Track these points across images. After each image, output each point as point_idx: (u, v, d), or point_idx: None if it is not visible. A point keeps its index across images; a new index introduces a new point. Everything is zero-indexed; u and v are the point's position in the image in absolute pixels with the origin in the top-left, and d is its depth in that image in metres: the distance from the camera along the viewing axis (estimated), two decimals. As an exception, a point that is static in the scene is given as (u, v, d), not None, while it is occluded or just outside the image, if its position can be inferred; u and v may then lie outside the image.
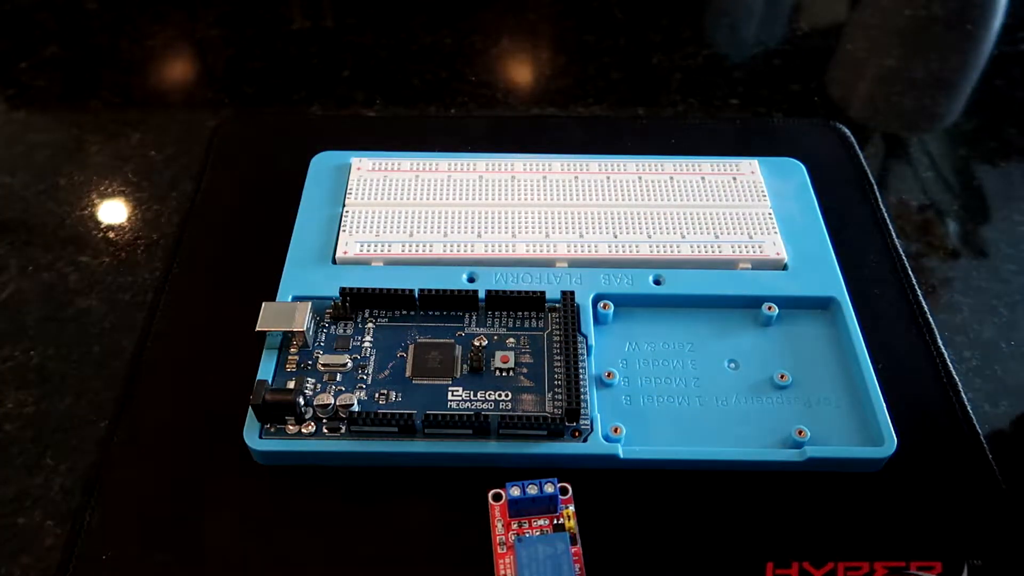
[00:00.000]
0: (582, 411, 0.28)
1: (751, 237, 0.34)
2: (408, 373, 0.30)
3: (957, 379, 0.31)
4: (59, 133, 0.44)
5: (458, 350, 0.30)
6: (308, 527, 0.27)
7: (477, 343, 0.30)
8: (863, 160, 0.40)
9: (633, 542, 0.26)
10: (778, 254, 0.33)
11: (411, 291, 0.31)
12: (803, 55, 0.52)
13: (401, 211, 0.34)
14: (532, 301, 0.31)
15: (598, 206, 0.35)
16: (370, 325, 0.31)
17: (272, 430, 0.28)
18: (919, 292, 0.34)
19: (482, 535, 0.26)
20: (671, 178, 0.36)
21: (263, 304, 0.30)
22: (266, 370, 0.29)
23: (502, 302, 0.31)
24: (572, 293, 0.31)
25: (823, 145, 0.41)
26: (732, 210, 0.35)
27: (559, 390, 0.29)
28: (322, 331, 0.31)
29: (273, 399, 0.28)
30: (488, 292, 0.31)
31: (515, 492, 0.25)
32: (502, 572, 0.25)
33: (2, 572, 0.27)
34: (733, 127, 0.43)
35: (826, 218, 0.35)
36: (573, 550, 0.25)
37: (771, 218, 0.35)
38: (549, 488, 0.25)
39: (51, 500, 0.29)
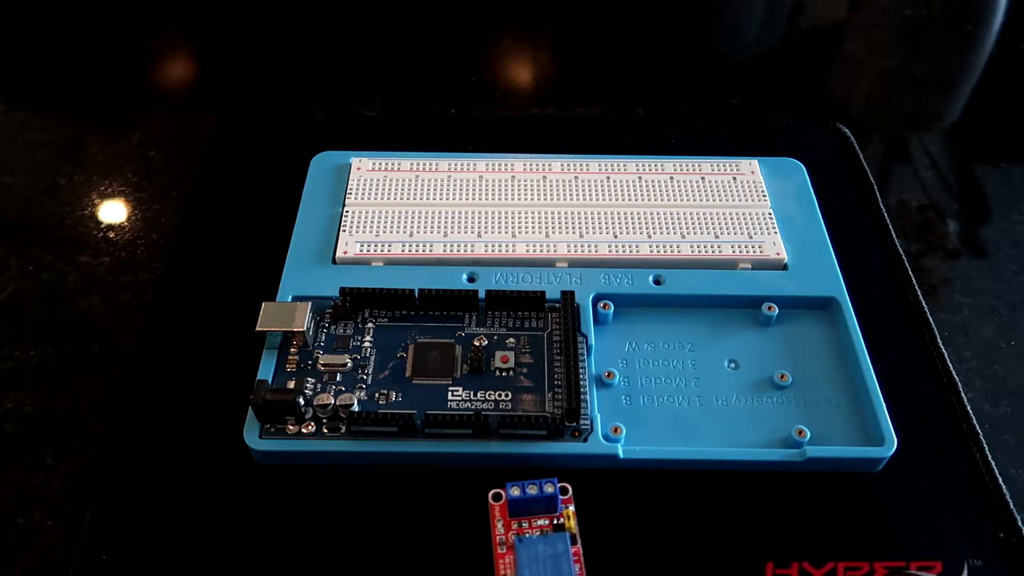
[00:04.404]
0: (582, 411, 0.28)
1: (751, 237, 0.34)
2: (408, 373, 0.30)
3: (957, 379, 0.31)
4: (59, 133, 0.45)
5: (458, 350, 0.30)
6: (308, 527, 0.27)
7: (477, 343, 0.30)
8: (863, 160, 0.40)
9: (633, 542, 0.26)
10: (778, 254, 0.33)
11: (411, 291, 0.31)
12: (803, 55, 0.52)
13: (401, 211, 0.34)
14: (532, 301, 0.31)
15: (598, 206, 0.35)
16: (370, 325, 0.31)
17: (272, 430, 0.28)
18: (919, 292, 0.34)
19: (482, 535, 0.26)
20: (671, 178, 0.36)
21: (263, 304, 0.30)
22: (266, 370, 0.29)
23: (502, 302, 0.31)
24: (572, 293, 0.31)
25: (823, 145, 0.41)
26: (732, 210, 0.35)
27: (559, 390, 0.29)
28: (322, 331, 0.31)
29: (273, 399, 0.28)
30: (488, 292, 0.31)
31: (515, 492, 0.25)
32: (502, 572, 0.25)
33: (2, 572, 0.27)
34: (733, 127, 0.43)
35: (826, 218, 0.35)
36: (573, 550, 0.25)
37: (771, 218, 0.35)
38: (549, 488, 0.25)
39: (51, 500, 0.29)
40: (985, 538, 0.27)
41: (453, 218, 0.34)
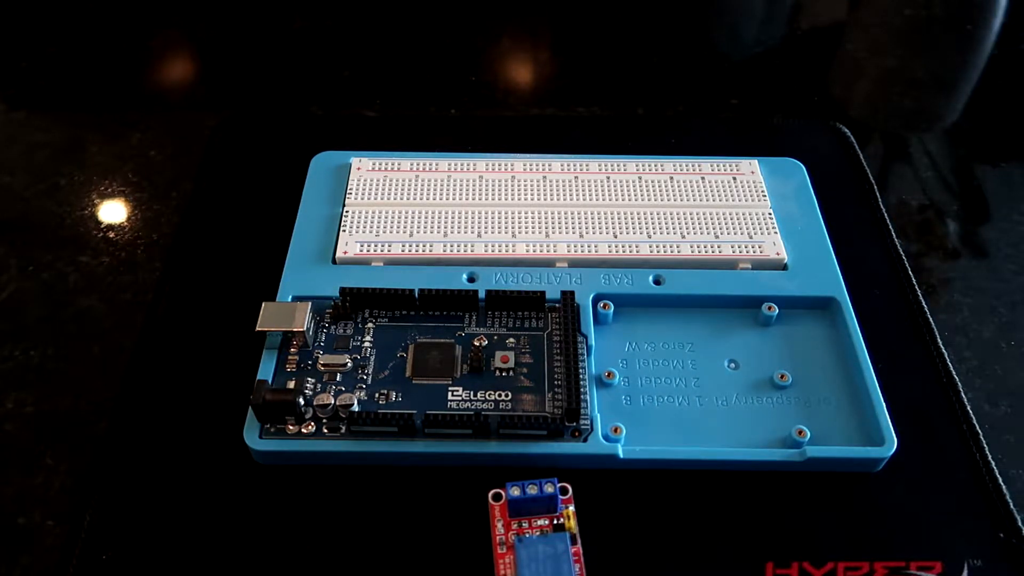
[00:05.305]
0: (582, 411, 0.28)
1: (751, 237, 0.34)
2: (408, 373, 0.30)
3: (957, 379, 0.31)
4: (59, 133, 0.45)
5: (458, 350, 0.30)
6: (308, 527, 0.27)
7: (477, 343, 0.30)
8: (863, 160, 0.40)
9: (633, 542, 0.26)
10: (778, 254, 0.33)
11: (411, 291, 0.31)
12: (803, 55, 0.52)
13: (401, 211, 0.34)
14: (532, 301, 0.31)
15: (598, 206, 0.35)
16: (370, 325, 0.31)
17: (272, 430, 0.28)
18: (919, 292, 0.34)
19: (482, 535, 0.26)
20: (671, 178, 0.36)
21: (263, 304, 0.30)
22: (266, 370, 0.29)
23: (502, 302, 0.31)
24: (572, 293, 0.31)
25: (823, 145, 0.41)
26: (732, 210, 0.35)
27: (559, 390, 0.29)
28: (322, 331, 0.31)
29: (273, 399, 0.28)
30: (488, 292, 0.31)
31: (515, 492, 0.25)
32: (502, 572, 0.25)
33: (2, 572, 0.27)
34: (733, 127, 0.43)
35: (826, 218, 0.35)
36: (573, 550, 0.25)
37: (771, 218, 0.35)
38: (549, 488, 0.25)
39: (51, 500, 0.29)
40: (985, 538, 0.27)
41: (453, 218, 0.34)
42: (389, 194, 0.35)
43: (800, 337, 0.32)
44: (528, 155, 0.37)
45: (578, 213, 0.34)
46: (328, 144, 0.38)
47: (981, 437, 0.29)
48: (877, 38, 0.53)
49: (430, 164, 0.36)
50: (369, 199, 0.35)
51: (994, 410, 0.32)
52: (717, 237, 0.34)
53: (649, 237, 0.34)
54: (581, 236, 0.34)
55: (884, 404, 0.29)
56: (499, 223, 0.34)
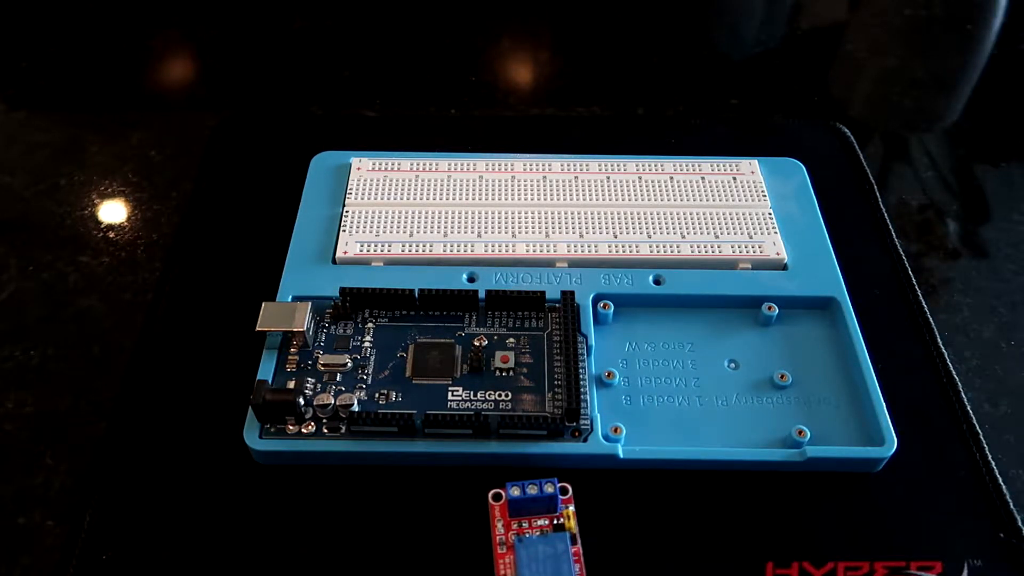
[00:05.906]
0: (582, 411, 0.28)
1: (751, 237, 0.34)
2: (408, 373, 0.30)
3: (957, 379, 0.31)
4: (59, 133, 0.45)
5: (458, 350, 0.30)
6: (308, 527, 0.27)
7: (477, 343, 0.30)
8: (863, 160, 0.40)
9: (633, 542, 0.26)
10: (778, 254, 0.33)
11: (411, 291, 0.31)
12: (803, 55, 0.52)
13: (401, 211, 0.34)
14: (532, 301, 0.31)
15: (598, 206, 0.35)
16: (370, 325, 0.31)
17: (272, 430, 0.28)
18: (919, 292, 0.34)
19: (482, 535, 0.26)
20: (671, 178, 0.36)
21: (263, 304, 0.30)
22: (266, 370, 0.29)
23: (502, 302, 0.31)
24: (572, 293, 0.31)
25: (823, 145, 0.41)
26: (732, 210, 0.35)
27: (559, 390, 0.29)
28: (322, 331, 0.31)
29: (273, 399, 0.28)
30: (488, 292, 0.31)
31: (515, 492, 0.25)
32: (502, 572, 0.25)
33: (2, 572, 0.27)
34: (733, 127, 0.43)
35: (826, 218, 0.35)
36: (573, 550, 0.25)
37: (771, 218, 0.35)
38: (549, 488, 0.25)
39: (51, 500, 0.29)
40: (985, 538, 0.27)
41: (453, 218, 0.34)
42: (389, 194, 0.35)
43: (800, 337, 0.32)
44: (528, 155, 0.37)
45: (578, 213, 0.34)
46: (328, 144, 0.38)
47: (981, 437, 0.29)
48: (877, 38, 0.53)
49: (430, 164, 0.36)
50: (369, 199, 0.35)
51: (994, 410, 0.32)
52: (717, 237, 0.34)
53: (649, 237, 0.34)
54: (581, 236, 0.34)
55: (884, 404, 0.29)
56: (499, 223, 0.34)
